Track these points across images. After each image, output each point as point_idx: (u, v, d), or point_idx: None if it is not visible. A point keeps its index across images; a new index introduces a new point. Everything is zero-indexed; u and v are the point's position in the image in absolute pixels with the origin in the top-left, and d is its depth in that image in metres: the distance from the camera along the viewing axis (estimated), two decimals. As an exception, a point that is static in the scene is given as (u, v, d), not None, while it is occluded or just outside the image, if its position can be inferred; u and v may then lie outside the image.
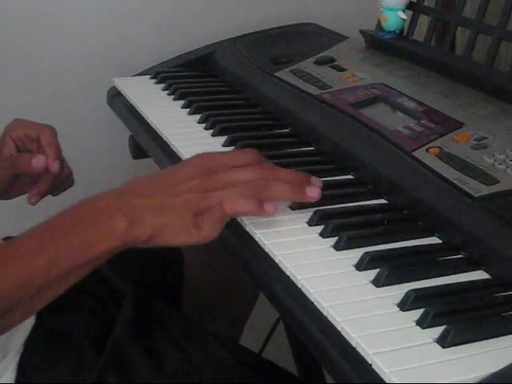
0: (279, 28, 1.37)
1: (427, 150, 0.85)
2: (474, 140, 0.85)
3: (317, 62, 1.16)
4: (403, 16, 1.17)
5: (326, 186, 0.87)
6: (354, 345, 0.61)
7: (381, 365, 0.58)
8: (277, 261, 0.73)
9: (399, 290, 0.66)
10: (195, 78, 1.27)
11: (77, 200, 0.74)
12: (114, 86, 1.26)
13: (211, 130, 1.04)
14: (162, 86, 1.23)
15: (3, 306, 0.67)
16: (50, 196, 1.02)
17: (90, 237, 0.70)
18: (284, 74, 1.14)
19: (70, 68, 1.38)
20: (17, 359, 0.83)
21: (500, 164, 0.80)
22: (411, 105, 0.97)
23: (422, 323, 0.62)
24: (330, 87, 1.06)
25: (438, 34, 1.18)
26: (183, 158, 0.95)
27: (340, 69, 1.12)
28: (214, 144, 1.00)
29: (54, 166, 0.97)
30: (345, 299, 0.66)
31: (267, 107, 1.11)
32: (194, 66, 1.31)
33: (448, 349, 0.60)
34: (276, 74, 1.14)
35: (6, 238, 0.94)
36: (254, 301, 1.21)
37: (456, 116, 0.92)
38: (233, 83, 1.22)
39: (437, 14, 1.13)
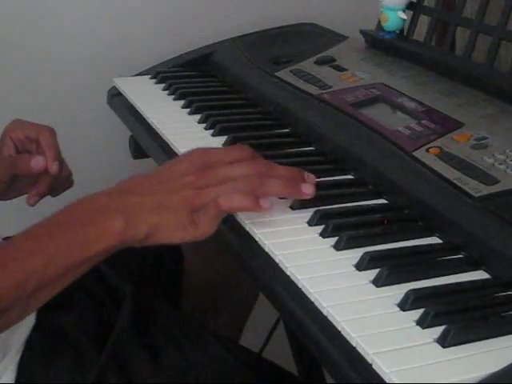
0: (279, 28, 1.37)
1: (427, 150, 0.85)
2: (474, 140, 0.85)
3: (317, 62, 1.16)
4: (403, 16, 1.17)
5: (326, 186, 0.87)
6: (354, 345, 0.61)
7: (381, 365, 0.58)
8: (277, 261, 0.73)
9: (399, 290, 0.66)
10: (195, 77, 1.27)
11: (77, 200, 0.74)
12: (114, 86, 1.26)
13: (211, 130, 1.04)
14: (162, 86, 1.23)
15: (1, 306, 0.67)
16: (49, 197, 1.02)
17: (87, 236, 0.70)
18: (284, 73, 1.14)
19: (70, 68, 1.38)
20: (17, 358, 0.83)
21: (500, 164, 0.80)
22: (411, 105, 0.97)
23: (422, 323, 0.62)
24: (330, 87, 1.06)
25: (438, 34, 1.18)
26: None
27: (340, 69, 1.12)
28: (214, 144, 1.00)
29: (53, 167, 0.97)
30: (345, 299, 0.66)
31: (267, 107, 1.11)
32: (194, 66, 1.31)
33: (448, 349, 0.60)
34: (276, 73, 1.14)
35: (6, 238, 0.94)
36: (253, 301, 1.21)
37: (456, 116, 0.92)
38: (233, 83, 1.22)
39: (437, 14, 1.13)
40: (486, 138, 0.85)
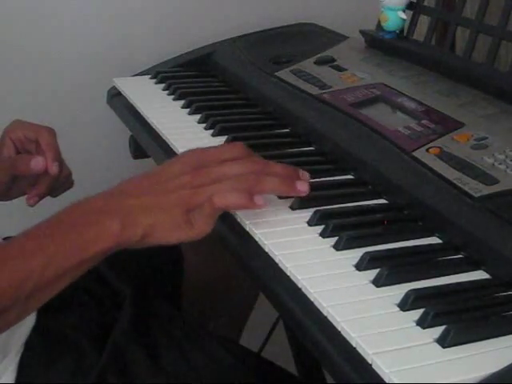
0: (279, 28, 1.37)
1: (427, 150, 0.85)
2: (474, 140, 0.85)
3: (317, 62, 1.16)
4: (403, 16, 1.17)
5: (326, 186, 0.87)
6: (354, 345, 0.61)
7: (381, 365, 0.58)
8: (277, 261, 0.73)
9: (399, 290, 0.66)
10: (195, 77, 1.27)
11: (76, 201, 0.74)
12: (114, 86, 1.26)
13: (211, 130, 1.04)
14: (162, 86, 1.23)
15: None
16: (49, 197, 1.02)
17: (85, 238, 0.70)
18: (284, 73, 1.14)
19: (70, 68, 1.38)
20: (17, 359, 0.83)
21: (500, 164, 0.80)
22: (411, 105, 0.97)
23: (422, 323, 0.62)
24: (330, 87, 1.06)
25: (438, 33, 1.18)
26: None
27: (340, 69, 1.12)
28: (214, 144, 1.00)
29: (53, 168, 0.97)
30: (345, 299, 0.66)
31: (267, 107, 1.11)
32: (194, 66, 1.31)
33: (448, 349, 0.60)
34: (276, 73, 1.14)
35: (6, 238, 0.94)
36: (253, 301, 1.21)
37: (456, 116, 0.92)
38: (233, 83, 1.22)
39: (437, 14, 1.13)
40: (486, 138, 0.85)
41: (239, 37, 1.34)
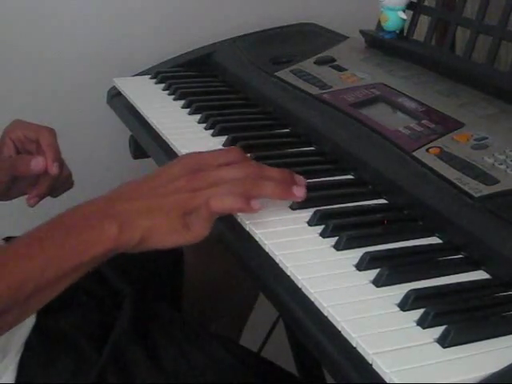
0: (279, 28, 1.37)
1: (427, 150, 0.85)
2: (474, 140, 0.85)
3: (317, 62, 1.16)
4: (403, 16, 1.17)
5: (326, 186, 0.87)
6: (354, 345, 0.61)
7: (381, 365, 0.58)
8: (277, 261, 0.73)
9: (399, 290, 0.66)
10: (195, 77, 1.27)
11: (76, 201, 0.75)
12: (114, 86, 1.26)
13: (211, 130, 1.04)
14: (162, 86, 1.23)
15: None
16: (49, 197, 1.02)
17: (83, 241, 0.70)
18: (284, 73, 1.14)
19: (70, 68, 1.38)
20: (17, 359, 0.83)
21: (500, 164, 0.80)
22: (411, 105, 0.97)
23: (423, 323, 0.62)
24: (330, 87, 1.06)
25: (438, 33, 1.18)
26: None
27: (340, 69, 1.12)
28: (214, 144, 1.00)
29: (53, 168, 0.97)
30: (345, 299, 0.66)
31: (267, 107, 1.11)
32: (194, 66, 1.31)
33: (448, 349, 0.60)
34: (276, 73, 1.14)
35: (7, 239, 0.94)
36: (253, 301, 1.21)
37: (456, 116, 0.92)
38: (233, 83, 1.22)
39: (437, 14, 1.13)
40: (486, 138, 0.85)
41: (239, 37, 1.34)
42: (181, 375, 0.87)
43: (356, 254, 0.72)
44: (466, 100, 0.96)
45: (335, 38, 1.27)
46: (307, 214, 0.80)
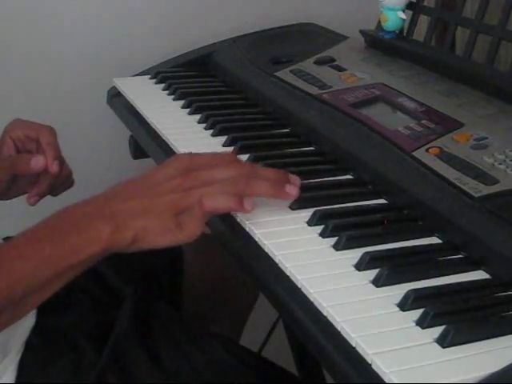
0: (279, 28, 1.37)
1: (427, 150, 0.85)
2: (474, 140, 0.85)
3: (317, 62, 1.16)
4: (403, 16, 1.17)
5: (326, 186, 0.87)
6: (353, 345, 0.61)
7: (380, 365, 0.58)
8: (276, 261, 0.73)
9: (399, 290, 0.66)
10: (195, 77, 1.27)
11: (76, 200, 0.75)
12: (114, 86, 1.26)
13: (211, 130, 1.04)
14: (162, 86, 1.23)
15: None
16: (49, 196, 1.02)
17: (76, 242, 0.70)
18: (284, 74, 1.14)
19: (70, 68, 1.38)
20: (17, 359, 0.83)
21: (500, 164, 0.80)
22: (411, 105, 0.97)
23: (422, 323, 0.62)
24: (330, 87, 1.06)
25: (438, 33, 1.18)
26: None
27: (340, 69, 1.12)
28: (214, 144, 1.00)
29: (54, 167, 0.97)
30: (345, 299, 0.66)
31: (267, 107, 1.11)
32: (194, 66, 1.31)
33: (448, 349, 0.60)
34: (276, 73, 1.14)
35: (6, 238, 0.94)
36: (253, 301, 1.21)
37: (456, 116, 0.92)
38: (233, 83, 1.22)
39: (437, 14, 1.13)
40: (486, 138, 0.85)
41: (239, 37, 1.34)
42: (181, 375, 0.87)
43: (356, 254, 0.72)
44: (466, 100, 0.96)
45: (335, 38, 1.27)
46: (307, 213, 0.80)
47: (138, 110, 1.15)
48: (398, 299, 0.65)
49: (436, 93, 1.00)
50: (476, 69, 1.02)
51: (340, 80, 1.08)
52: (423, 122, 0.92)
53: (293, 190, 0.79)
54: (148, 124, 1.10)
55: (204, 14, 1.43)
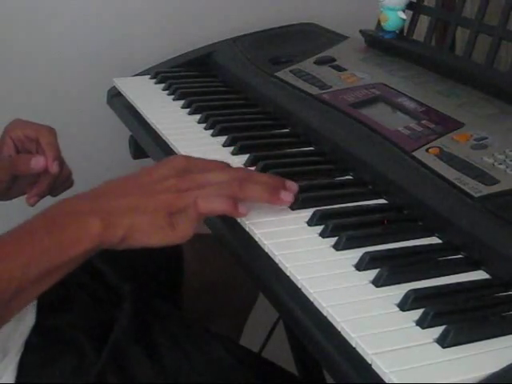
0: (279, 28, 1.37)
1: (427, 150, 0.85)
2: (474, 140, 0.85)
3: (317, 62, 1.16)
4: (403, 16, 1.17)
5: (326, 186, 0.87)
6: (353, 345, 0.61)
7: (380, 365, 0.58)
8: (276, 261, 0.73)
9: (399, 290, 0.66)
10: (195, 78, 1.27)
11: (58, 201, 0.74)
12: (114, 86, 1.26)
13: (211, 130, 1.04)
14: (162, 86, 1.23)
15: None
16: (49, 196, 1.02)
17: (65, 239, 0.70)
18: (284, 74, 1.14)
19: (70, 68, 1.38)
20: (17, 359, 0.83)
21: (500, 164, 0.80)
22: (411, 105, 0.97)
23: (422, 323, 0.62)
24: (330, 87, 1.06)
25: (438, 33, 1.18)
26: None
27: (340, 69, 1.12)
28: (214, 144, 1.00)
29: (54, 167, 0.97)
30: (345, 299, 0.66)
31: (267, 107, 1.11)
32: (194, 66, 1.31)
33: (448, 349, 0.60)
34: (276, 74, 1.14)
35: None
36: (253, 301, 1.21)
37: (456, 116, 0.92)
38: (233, 83, 1.22)
39: (437, 14, 1.13)
40: (486, 138, 0.85)
41: (239, 37, 1.34)
42: (181, 375, 0.87)
43: (356, 254, 0.72)
44: (466, 100, 0.96)
45: (335, 37, 1.27)
46: (307, 213, 0.79)
47: (137, 110, 1.15)
48: (398, 299, 0.65)
49: (436, 93, 1.00)
50: (476, 69, 1.02)
51: (340, 80, 1.08)
52: (423, 122, 0.92)
53: (287, 197, 0.79)
54: (148, 124, 1.10)
55: (204, 14, 1.43)
